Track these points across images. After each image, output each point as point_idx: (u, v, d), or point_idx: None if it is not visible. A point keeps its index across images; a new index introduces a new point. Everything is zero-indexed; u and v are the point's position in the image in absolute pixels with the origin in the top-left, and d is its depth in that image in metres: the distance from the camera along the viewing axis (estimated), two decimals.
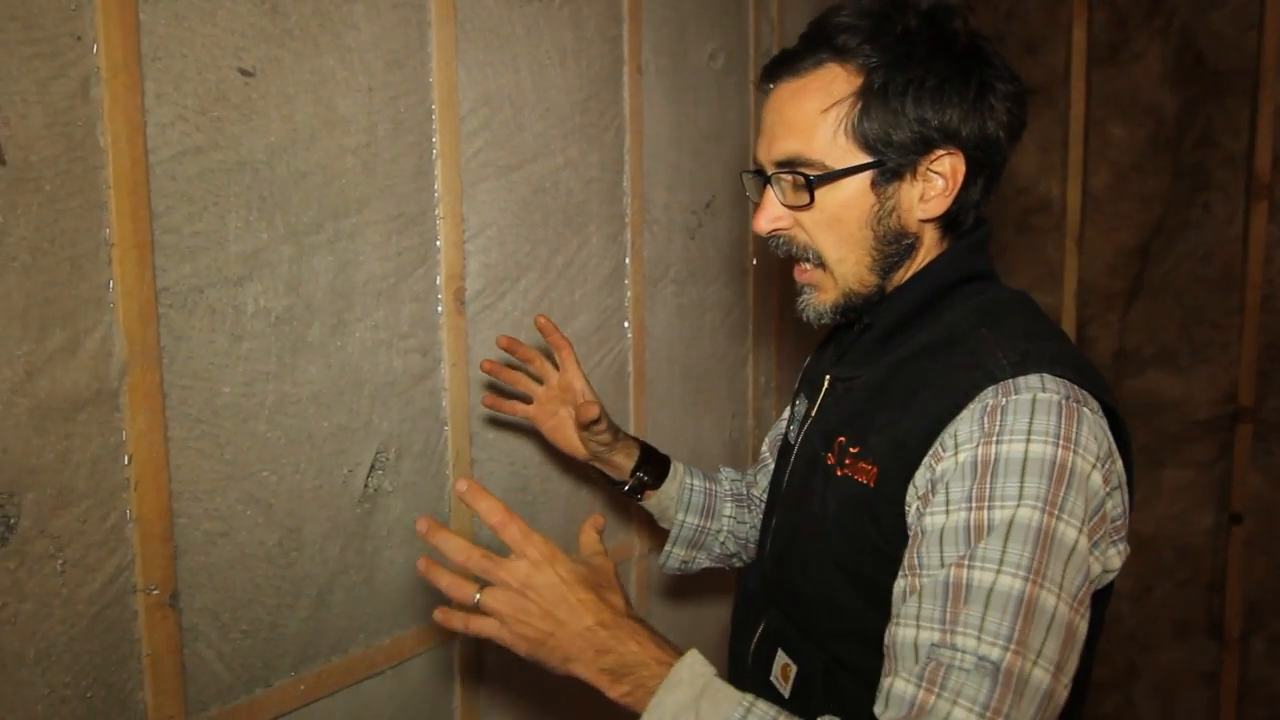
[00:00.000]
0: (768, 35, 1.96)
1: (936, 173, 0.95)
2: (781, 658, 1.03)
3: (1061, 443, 0.82)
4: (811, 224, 0.97)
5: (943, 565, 0.81)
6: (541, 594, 0.84)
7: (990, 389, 0.85)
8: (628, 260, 1.65)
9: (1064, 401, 0.84)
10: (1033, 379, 0.85)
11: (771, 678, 1.03)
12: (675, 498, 1.31)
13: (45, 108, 0.90)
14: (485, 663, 1.43)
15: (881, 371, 0.98)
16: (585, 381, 1.28)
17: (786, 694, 1.00)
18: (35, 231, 0.90)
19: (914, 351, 0.96)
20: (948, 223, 0.99)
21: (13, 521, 0.90)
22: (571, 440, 1.30)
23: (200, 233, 1.04)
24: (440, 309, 1.32)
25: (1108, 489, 0.85)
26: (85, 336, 0.95)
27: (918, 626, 0.80)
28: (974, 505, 0.81)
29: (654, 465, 1.31)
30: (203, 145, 1.03)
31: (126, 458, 0.99)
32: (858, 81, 0.93)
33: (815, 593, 0.98)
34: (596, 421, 1.22)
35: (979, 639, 0.77)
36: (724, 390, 1.93)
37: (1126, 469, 0.90)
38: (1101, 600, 0.91)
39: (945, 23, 0.94)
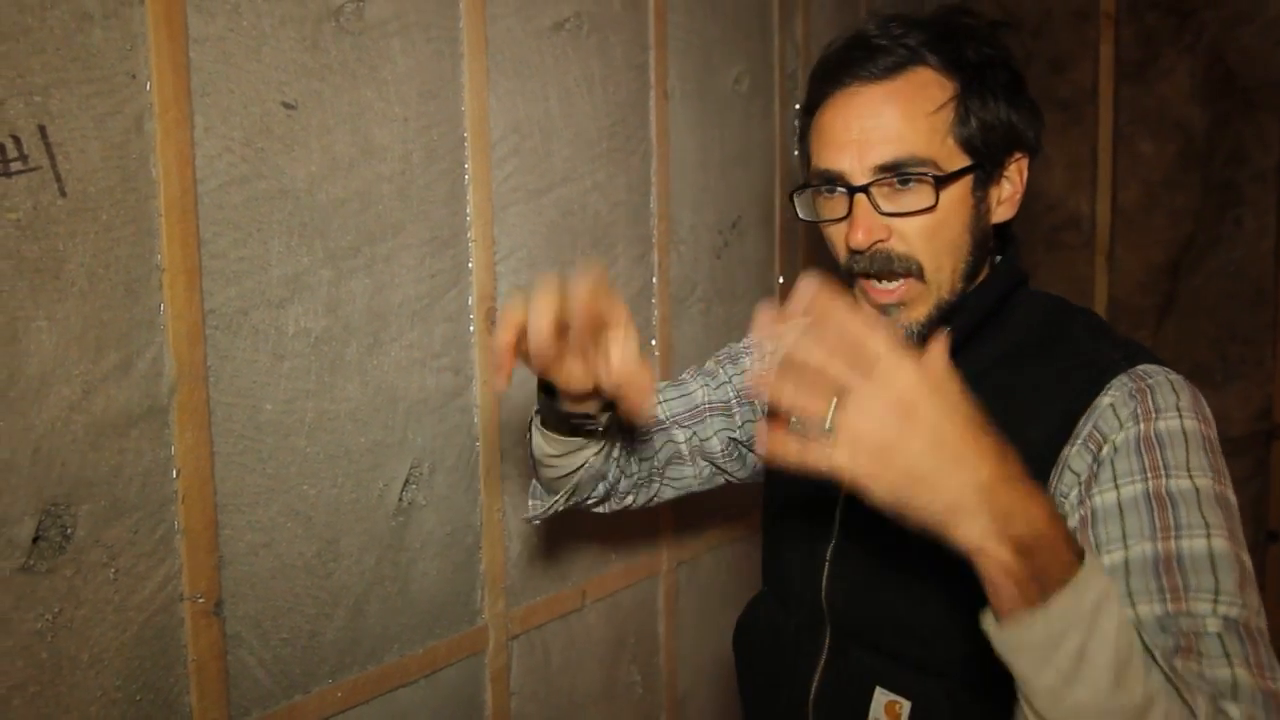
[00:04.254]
0: (793, 58, 2.00)
1: (1007, 177, 0.98)
2: (883, 696, 0.95)
3: (1200, 418, 0.85)
4: (915, 231, 0.93)
5: (1126, 541, 0.79)
6: (928, 420, 0.61)
7: (1123, 376, 0.87)
8: (655, 280, 1.68)
9: (1187, 381, 0.88)
10: (1152, 367, 0.88)
11: None
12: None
13: (102, 142, 0.96)
14: (515, 673, 1.47)
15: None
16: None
17: None
18: (92, 258, 0.96)
19: (994, 362, 0.95)
20: (1002, 229, 1.00)
21: (69, 531, 0.96)
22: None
23: (245, 258, 1.09)
24: (472, 329, 1.37)
25: None
26: (138, 357, 1.00)
27: (1133, 604, 0.76)
28: (1150, 476, 0.82)
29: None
30: (248, 175, 1.09)
31: (175, 472, 1.04)
32: (952, 86, 0.93)
33: (932, 621, 0.93)
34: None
35: (1215, 602, 0.74)
36: None
37: None
38: None
39: (999, 30, 0.97)
